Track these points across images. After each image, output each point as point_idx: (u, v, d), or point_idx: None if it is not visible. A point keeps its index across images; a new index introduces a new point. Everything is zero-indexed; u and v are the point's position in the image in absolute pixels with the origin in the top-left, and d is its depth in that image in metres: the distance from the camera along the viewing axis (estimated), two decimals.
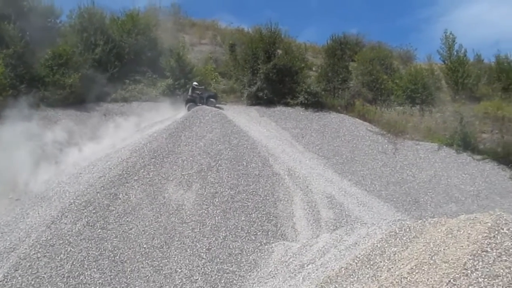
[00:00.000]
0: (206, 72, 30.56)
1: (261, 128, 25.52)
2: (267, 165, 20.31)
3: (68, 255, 15.18)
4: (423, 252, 10.24)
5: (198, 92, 26.47)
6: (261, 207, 17.58)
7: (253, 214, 17.11)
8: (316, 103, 28.71)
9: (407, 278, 9.56)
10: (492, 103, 28.46)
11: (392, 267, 10.37)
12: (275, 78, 29.26)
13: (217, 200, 17.69)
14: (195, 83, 27.01)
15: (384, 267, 10.56)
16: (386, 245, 11.34)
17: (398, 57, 38.80)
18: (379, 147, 25.67)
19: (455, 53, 32.86)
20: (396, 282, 9.59)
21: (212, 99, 26.32)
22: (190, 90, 26.71)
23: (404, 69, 34.98)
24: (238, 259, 15.19)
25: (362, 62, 33.07)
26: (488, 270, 8.60)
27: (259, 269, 14.58)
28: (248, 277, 14.21)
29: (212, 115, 23.10)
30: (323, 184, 20.24)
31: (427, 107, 29.57)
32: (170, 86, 28.75)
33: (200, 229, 16.48)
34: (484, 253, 8.99)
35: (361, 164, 24.05)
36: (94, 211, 16.86)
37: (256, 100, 29.10)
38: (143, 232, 16.34)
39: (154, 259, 15.44)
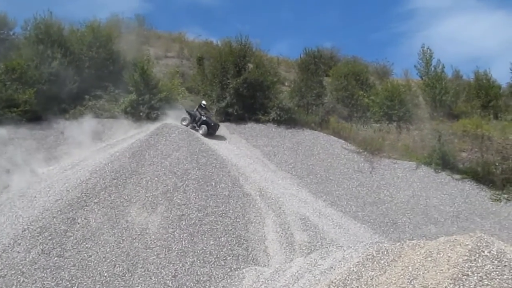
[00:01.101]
0: (173, 87, 30.52)
1: (231, 146, 25.62)
2: (237, 185, 20.36)
3: (21, 287, 14.85)
4: (402, 276, 10.37)
5: (201, 112, 26.49)
6: (231, 230, 17.60)
7: (223, 238, 17.10)
8: (289, 120, 28.99)
9: None
10: (471, 121, 29.07)
11: None
12: (246, 93, 29.51)
13: (184, 223, 17.64)
14: (203, 102, 27.47)
15: None
16: (363, 269, 11.47)
17: (374, 72, 39.64)
18: (355, 165, 26.00)
19: (432, 68, 33.52)
20: None
21: (203, 125, 25.97)
22: (197, 107, 27.08)
23: (381, 84, 35.58)
24: (207, 286, 15.12)
25: (337, 77, 33.66)
26: None
27: None
28: None
29: (179, 132, 23.12)
30: (296, 205, 20.39)
31: (404, 124, 30.14)
32: (134, 102, 28.55)
33: (165, 254, 16.38)
34: (465, 277, 9.13)
35: (337, 183, 24.29)
36: (50, 237, 16.58)
37: (226, 116, 29.24)
38: (103, 259, 16.14)
39: None
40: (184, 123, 26.09)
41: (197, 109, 26.65)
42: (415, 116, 31.54)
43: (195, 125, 26.06)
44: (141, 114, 28.05)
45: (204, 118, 26.14)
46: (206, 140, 24.20)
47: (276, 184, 22.29)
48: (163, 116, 27.48)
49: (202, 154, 21.86)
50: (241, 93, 29.38)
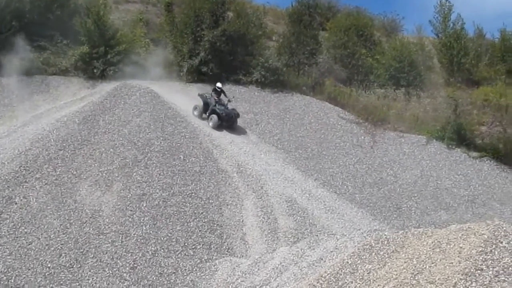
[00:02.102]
0: (134, 38, 30.16)
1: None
2: (210, 160, 20.34)
3: None
4: (404, 270, 10.49)
5: (216, 97, 25.20)
6: (202, 213, 17.61)
7: (192, 223, 17.12)
8: (275, 82, 28.93)
9: None
10: (494, 89, 29.34)
11: None
12: (224, 48, 29.32)
13: (145, 205, 17.58)
14: (219, 84, 26.01)
15: None
16: (359, 262, 11.57)
17: (380, 27, 39.53)
18: (353, 138, 26.11)
19: (451, 25, 33.51)
20: None
21: (213, 115, 24.69)
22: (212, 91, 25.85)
23: (388, 42, 35.59)
24: (172, 281, 15.16)
25: (335, 32, 33.53)
26: None
27: None
28: None
29: (141, 94, 22.93)
30: (281, 185, 20.46)
31: (414, 90, 30.26)
32: (86, 55, 28.14)
33: (122, 242, 16.35)
34: (479, 271, 9.24)
35: (330, 160, 24.40)
36: None
37: (199, 75, 29.06)
38: (46, 247, 16.06)
39: (62, 283, 15.22)
40: (195, 112, 25.28)
41: (211, 94, 25.54)
42: (427, 81, 31.66)
43: (207, 115, 25.12)
44: (94, 70, 27.76)
45: (215, 106, 24.79)
46: (174, 104, 24.00)
47: (257, 159, 22.31)
48: (121, 74, 27.16)
49: (169, 121, 21.72)
50: (218, 48, 29.16)
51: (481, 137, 27.11)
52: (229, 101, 25.31)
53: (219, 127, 24.31)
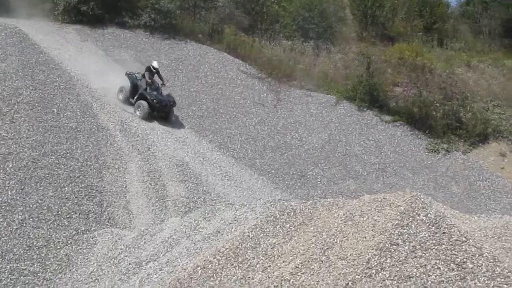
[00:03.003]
0: None
1: (82, 59, 24.88)
2: (89, 115, 19.97)
3: None
4: (313, 245, 10.73)
5: (148, 78, 23.11)
6: (78, 177, 17.30)
7: (66, 188, 16.78)
8: (167, 27, 28.74)
9: (289, 280, 9.95)
10: (410, 46, 30.44)
11: (270, 266, 10.77)
12: None
13: (10, 166, 17.00)
14: (154, 63, 23.82)
15: (258, 266, 10.93)
16: (261, 235, 11.74)
17: None
18: (255, 95, 26.42)
19: None
20: (275, 286, 9.93)
21: (141, 102, 22.59)
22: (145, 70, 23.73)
23: None
24: (43, 255, 14.83)
25: None
26: (398, 269, 9.23)
27: (74, 269, 14.38)
28: (57, 281, 13.96)
29: (7, 34, 22.03)
30: (172, 146, 20.49)
31: (324, 44, 30.83)
32: None
33: None
34: (394, 246, 9.59)
35: (228, 119, 24.58)
36: None
37: (77, 16, 28.27)
38: None
39: None
40: (120, 96, 23.50)
41: (143, 74, 23.50)
42: (338, 34, 32.35)
43: (134, 100, 23.13)
44: None
45: (146, 91, 22.82)
46: (47, 47, 23.28)
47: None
48: None
49: (40, 67, 21.06)
50: None
51: (395, 99, 28.18)
52: (163, 84, 23.43)
53: (149, 117, 22.50)
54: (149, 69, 23.35)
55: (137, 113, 22.36)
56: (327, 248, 10.38)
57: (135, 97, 22.91)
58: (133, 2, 28.85)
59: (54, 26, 27.51)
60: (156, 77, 23.46)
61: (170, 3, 29.27)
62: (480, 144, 27.13)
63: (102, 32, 27.83)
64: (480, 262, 9.18)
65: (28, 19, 26.45)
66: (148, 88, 22.78)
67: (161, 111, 22.78)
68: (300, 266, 10.20)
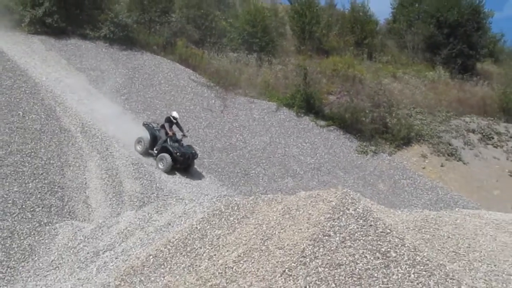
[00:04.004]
0: None
1: (46, 67, 24.44)
2: (52, 118, 19.65)
3: None
4: (254, 236, 10.82)
5: (168, 129, 20.82)
6: (42, 174, 17.00)
7: (31, 184, 16.47)
8: (125, 39, 28.39)
9: (232, 268, 10.02)
10: (343, 59, 30.79)
11: (215, 255, 10.81)
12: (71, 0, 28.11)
13: None
14: (174, 113, 21.46)
15: (204, 255, 10.96)
16: (208, 227, 11.79)
17: None
18: (203, 102, 26.33)
19: None
20: (219, 273, 9.98)
21: (164, 155, 20.29)
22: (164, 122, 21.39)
23: (242, 6, 35.92)
24: (7, 245, 14.49)
25: None
26: (329, 258, 9.40)
27: (36, 258, 14.10)
28: (20, 269, 13.66)
29: None
30: (128, 147, 20.26)
31: (266, 56, 30.93)
32: None
33: None
34: (326, 237, 9.75)
35: (180, 122, 24.40)
36: None
37: (42, 27, 27.69)
38: None
39: None
40: (138, 147, 21.05)
41: (162, 125, 21.07)
42: (279, 48, 32.51)
43: (155, 151, 20.82)
44: None
45: (167, 143, 20.57)
46: (14, 56, 22.82)
47: (104, 118, 21.84)
48: None
49: (7, 74, 20.68)
50: None
51: (329, 106, 28.49)
52: (183, 135, 20.93)
53: (176, 170, 20.60)
54: (169, 120, 20.93)
55: (160, 166, 20.17)
56: (267, 239, 10.50)
57: (156, 149, 20.65)
58: (94, 16, 28.46)
59: (21, 36, 26.91)
60: (174, 127, 21.15)
61: (127, 18, 28.95)
62: (404, 146, 27.65)
63: (66, 42, 27.35)
64: (403, 251, 9.40)
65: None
66: (169, 139, 20.53)
67: (183, 164, 20.63)
68: (242, 255, 10.31)
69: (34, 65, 23.88)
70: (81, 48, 26.94)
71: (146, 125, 21.46)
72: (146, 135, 21.11)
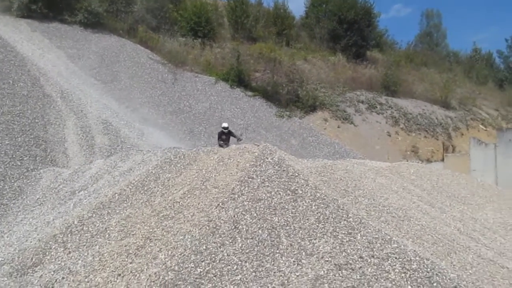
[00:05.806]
0: None
1: (32, 45, 23.34)
2: (37, 86, 18.93)
3: None
4: (196, 178, 10.92)
5: (222, 141, 16.20)
6: (28, 130, 16.45)
7: (19, 138, 15.92)
8: (96, 24, 27.35)
9: (179, 202, 10.12)
10: (267, 45, 30.73)
11: (166, 192, 10.86)
12: None
13: None
14: (225, 124, 16.81)
15: (158, 192, 10.99)
16: (160, 171, 11.78)
17: None
18: (159, 76, 25.86)
19: None
20: (169, 206, 10.08)
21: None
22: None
23: (190, 1, 35.16)
24: (1, 186, 14.10)
25: None
26: (252, 194, 9.62)
27: (24, 197, 13.77)
28: (12, 205, 13.32)
29: None
30: (99, 109, 19.77)
31: (208, 41, 30.54)
32: None
33: None
34: (250, 179, 9.96)
35: (140, 91, 24.00)
36: None
37: (28, 12, 26.25)
38: None
39: None
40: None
41: (219, 137, 16.55)
42: (218, 35, 32.14)
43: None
44: None
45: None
46: (3, 34, 21.73)
47: (79, 87, 21.18)
48: None
49: None
50: None
51: (256, 80, 28.61)
52: (239, 139, 16.04)
53: None
54: (221, 133, 16.54)
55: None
56: (205, 180, 10.65)
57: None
58: (71, 5, 27.20)
59: (10, 19, 25.47)
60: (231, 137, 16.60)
61: (99, 7, 27.84)
62: (311, 112, 28.16)
63: (48, 25, 26.07)
64: (307, 189, 9.69)
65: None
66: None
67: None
68: (187, 192, 10.44)
69: (22, 43, 22.75)
70: (60, 30, 25.82)
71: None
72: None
